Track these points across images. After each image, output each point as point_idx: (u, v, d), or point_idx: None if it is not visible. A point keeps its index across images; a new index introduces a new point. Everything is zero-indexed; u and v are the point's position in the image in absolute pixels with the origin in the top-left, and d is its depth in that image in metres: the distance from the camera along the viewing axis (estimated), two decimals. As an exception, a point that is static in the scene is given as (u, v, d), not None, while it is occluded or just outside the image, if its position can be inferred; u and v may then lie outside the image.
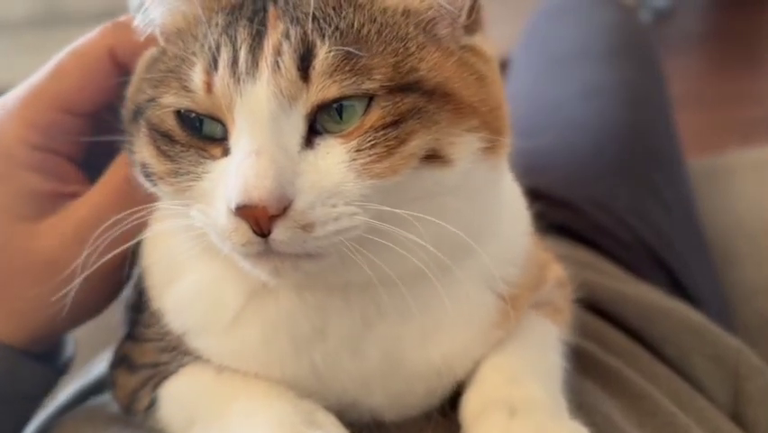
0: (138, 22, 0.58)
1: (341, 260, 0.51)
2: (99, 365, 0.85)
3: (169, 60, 0.54)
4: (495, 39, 0.60)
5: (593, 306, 0.84)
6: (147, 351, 0.65)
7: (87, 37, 0.64)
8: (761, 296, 1.14)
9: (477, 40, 0.57)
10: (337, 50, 0.48)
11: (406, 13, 0.53)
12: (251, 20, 0.51)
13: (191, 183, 0.52)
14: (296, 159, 0.49)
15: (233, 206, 0.48)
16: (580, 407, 0.61)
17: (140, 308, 0.66)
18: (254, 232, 0.48)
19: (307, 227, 0.48)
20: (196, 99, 0.51)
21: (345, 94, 0.49)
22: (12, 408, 0.66)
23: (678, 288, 1.02)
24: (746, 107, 2.77)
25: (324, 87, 0.49)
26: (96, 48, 0.63)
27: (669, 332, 0.83)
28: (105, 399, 0.72)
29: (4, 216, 0.62)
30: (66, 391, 0.81)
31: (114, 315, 0.71)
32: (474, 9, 0.56)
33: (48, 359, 0.68)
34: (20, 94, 0.63)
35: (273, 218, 0.48)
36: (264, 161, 0.48)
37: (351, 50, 0.48)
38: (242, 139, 0.49)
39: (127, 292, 0.69)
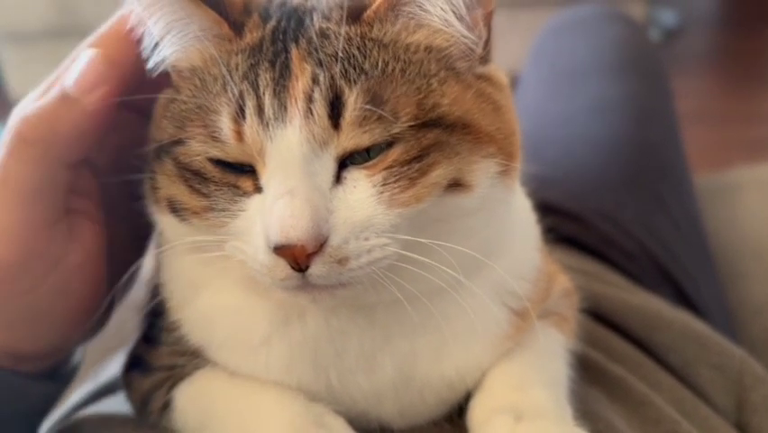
0: (152, 62, 0.57)
1: (371, 284, 0.53)
2: (110, 368, 0.86)
3: (188, 99, 0.54)
4: (505, 54, 0.61)
5: (598, 315, 0.85)
6: (163, 354, 0.66)
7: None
8: (767, 312, 1.15)
9: (491, 68, 0.58)
10: (365, 109, 0.49)
11: (429, 49, 0.54)
12: (272, 62, 0.52)
13: (227, 220, 0.53)
14: (328, 196, 0.51)
15: (271, 245, 0.49)
16: (584, 414, 0.62)
17: (157, 312, 0.67)
18: (292, 268, 0.50)
19: (343, 261, 0.50)
20: (227, 149, 0.52)
21: (377, 141, 0.50)
22: (13, 427, 0.64)
23: (683, 300, 1.03)
24: (753, 126, 2.78)
25: (355, 136, 0.50)
26: None
27: (673, 341, 0.83)
28: (119, 401, 0.73)
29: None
30: (77, 393, 0.82)
31: (122, 317, 0.71)
32: (489, 41, 0.57)
33: (52, 374, 0.67)
34: None
35: (310, 255, 0.49)
36: (299, 201, 0.49)
37: (380, 111, 0.50)
38: (274, 179, 0.51)
39: (142, 296, 0.70)
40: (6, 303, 0.58)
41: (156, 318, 0.67)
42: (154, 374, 0.66)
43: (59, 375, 0.67)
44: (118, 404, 0.73)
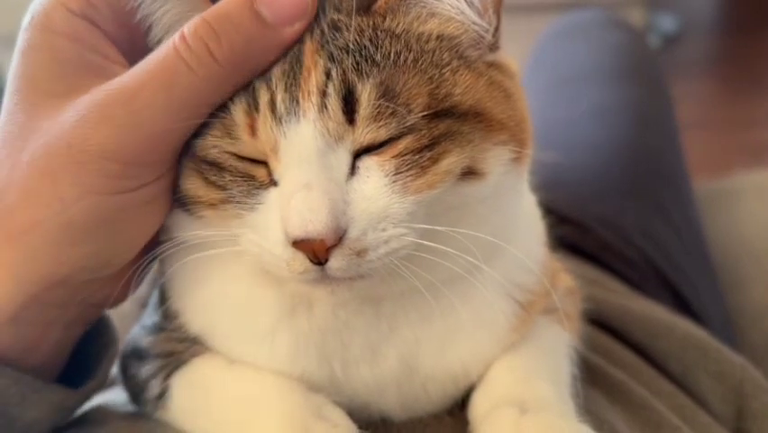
0: None
1: (388, 274, 0.53)
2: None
3: None
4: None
5: (599, 321, 0.84)
6: (161, 341, 0.65)
7: None
8: (767, 319, 1.15)
9: (501, 56, 0.58)
10: (380, 104, 0.49)
11: (440, 38, 0.54)
12: (284, 54, 0.51)
13: (243, 212, 0.53)
14: (344, 189, 0.50)
15: (290, 239, 0.49)
16: (586, 414, 0.62)
17: (158, 300, 0.67)
18: (311, 261, 0.50)
19: (361, 253, 0.50)
20: (240, 145, 0.52)
21: (392, 135, 0.50)
22: None
23: (683, 307, 1.03)
24: (753, 131, 2.78)
25: (371, 131, 0.50)
26: None
27: (673, 348, 0.83)
28: (116, 391, 0.72)
29: (30, 91, 0.53)
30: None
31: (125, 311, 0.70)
32: (498, 28, 0.57)
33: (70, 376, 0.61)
34: None
35: (329, 248, 0.49)
36: (316, 194, 0.49)
37: (394, 107, 0.49)
38: (290, 173, 0.51)
39: (142, 289, 0.69)
40: (102, 201, 0.51)
41: (157, 306, 0.67)
42: (152, 362, 0.65)
43: (81, 373, 0.62)
44: (115, 394, 0.72)
